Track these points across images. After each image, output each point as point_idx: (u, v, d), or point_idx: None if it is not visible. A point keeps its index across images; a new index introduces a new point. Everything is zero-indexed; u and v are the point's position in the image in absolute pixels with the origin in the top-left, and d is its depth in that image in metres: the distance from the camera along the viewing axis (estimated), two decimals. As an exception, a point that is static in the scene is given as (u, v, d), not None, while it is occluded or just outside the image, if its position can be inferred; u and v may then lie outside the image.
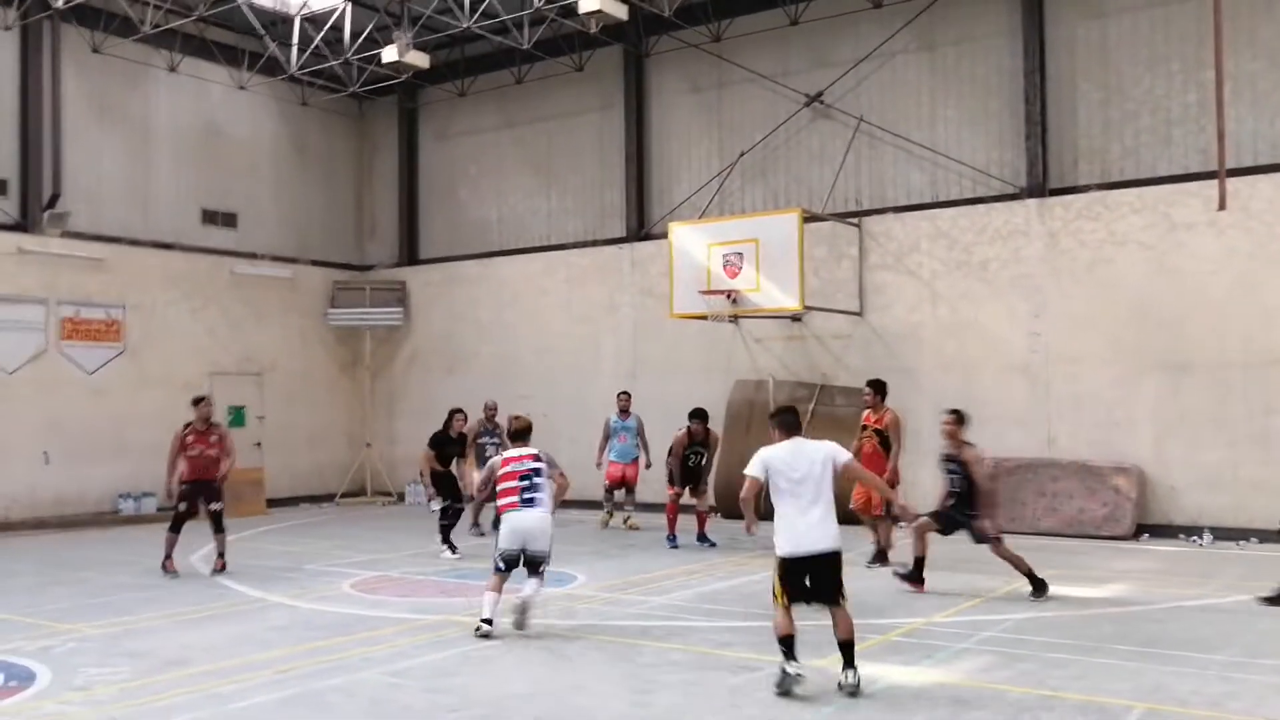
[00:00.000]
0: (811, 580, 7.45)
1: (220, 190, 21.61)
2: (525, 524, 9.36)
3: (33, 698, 7.32)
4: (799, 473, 7.52)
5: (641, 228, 20.36)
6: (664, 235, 18.47)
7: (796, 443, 7.71)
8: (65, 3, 17.12)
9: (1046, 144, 16.52)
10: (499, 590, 9.29)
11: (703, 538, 15.08)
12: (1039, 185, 16.44)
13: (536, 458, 9.66)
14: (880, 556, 12.80)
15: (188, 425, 12.98)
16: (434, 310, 22.94)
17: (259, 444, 21.40)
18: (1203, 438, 14.99)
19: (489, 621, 9.09)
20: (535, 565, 9.40)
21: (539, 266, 21.55)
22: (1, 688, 7.57)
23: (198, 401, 13.26)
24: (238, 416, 21.25)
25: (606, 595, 11.14)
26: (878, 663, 8.03)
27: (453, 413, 15.07)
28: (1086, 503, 15.39)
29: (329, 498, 22.38)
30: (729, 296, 16.72)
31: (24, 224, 18.48)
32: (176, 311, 20.34)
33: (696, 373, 18.93)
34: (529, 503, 9.42)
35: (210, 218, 21.40)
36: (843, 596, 7.42)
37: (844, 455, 7.70)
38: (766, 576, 11.96)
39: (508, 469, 9.58)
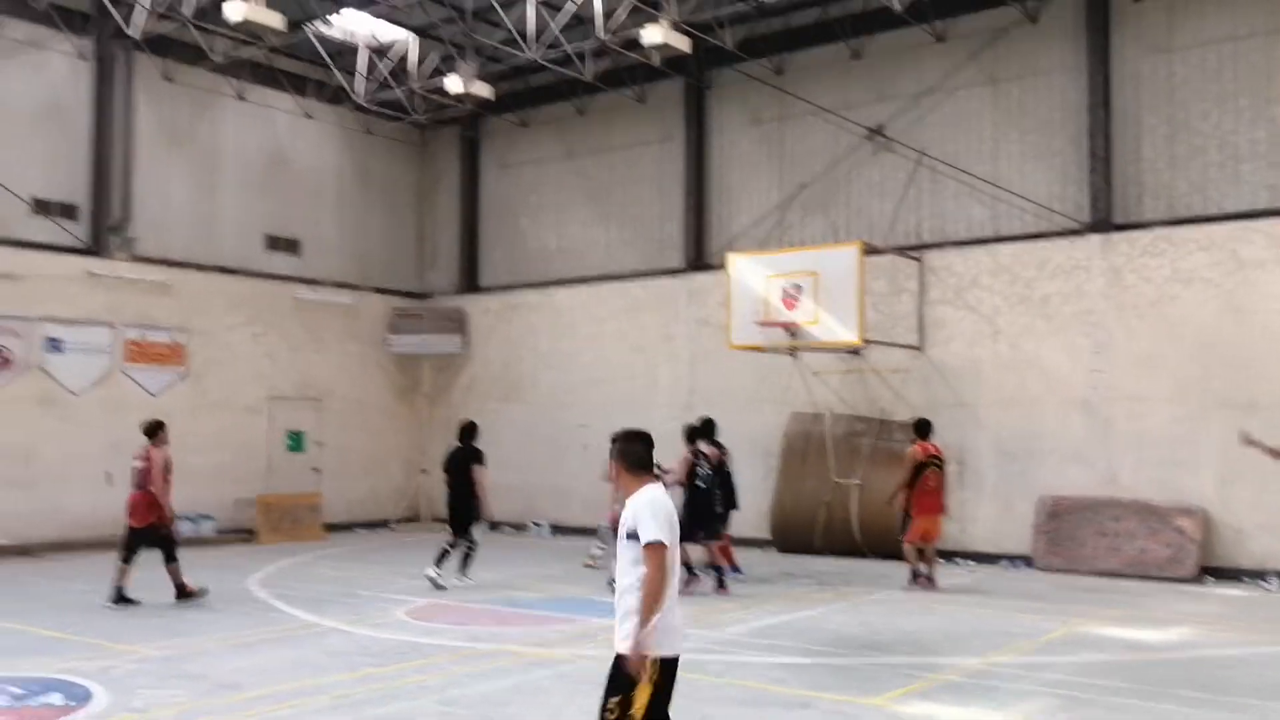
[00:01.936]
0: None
1: (284, 217, 22.00)
2: None
3: (89, 719, 7.41)
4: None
5: (699, 259, 20.38)
6: (721, 267, 18.46)
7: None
8: (140, 33, 17.56)
9: (1111, 179, 16.32)
10: None
11: (734, 568, 14.71)
12: (1103, 221, 16.23)
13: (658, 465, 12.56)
14: (916, 577, 13.97)
15: (158, 447, 12.37)
16: (492, 339, 23.11)
17: (316, 469, 21.64)
18: (1270, 480, 14.57)
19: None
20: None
21: (596, 296, 21.64)
22: (60, 707, 7.69)
23: (161, 426, 12.60)
24: (296, 441, 21.53)
25: (659, 627, 11.06)
26: (934, 703, 7.92)
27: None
28: (1148, 543, 15.07)
29: (384, 523, 22.54)
30: (787, 329, 16.67)
31: (93, 248, 18.91)
32: (238, 336, 20.67)
33: (753, 404, 18.86)
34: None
35: (274, 244, 21.78)
36: None
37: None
38: (824, 613, 11.94)
39: None
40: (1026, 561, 16.12)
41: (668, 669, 4.97)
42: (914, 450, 13.93)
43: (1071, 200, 16.73)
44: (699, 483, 13.73)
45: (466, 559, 14.10)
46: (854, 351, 17.83)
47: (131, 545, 12.30)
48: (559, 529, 21.23)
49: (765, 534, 18.08)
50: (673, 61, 18.85)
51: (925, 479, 13.74)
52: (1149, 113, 16.17)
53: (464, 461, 14.04)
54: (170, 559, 12.44)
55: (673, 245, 20.94)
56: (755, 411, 18.66)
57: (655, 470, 5.40)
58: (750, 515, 15.76)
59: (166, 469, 12.38)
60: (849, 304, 16.17)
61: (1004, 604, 12.76)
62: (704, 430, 14.42)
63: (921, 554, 13.94)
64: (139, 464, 12.42)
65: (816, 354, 18.17)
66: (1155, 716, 7.57)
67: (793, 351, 17.69)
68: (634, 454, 5.33)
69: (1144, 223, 16.04)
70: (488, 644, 10.10)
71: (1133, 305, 15.85)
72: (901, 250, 17.85)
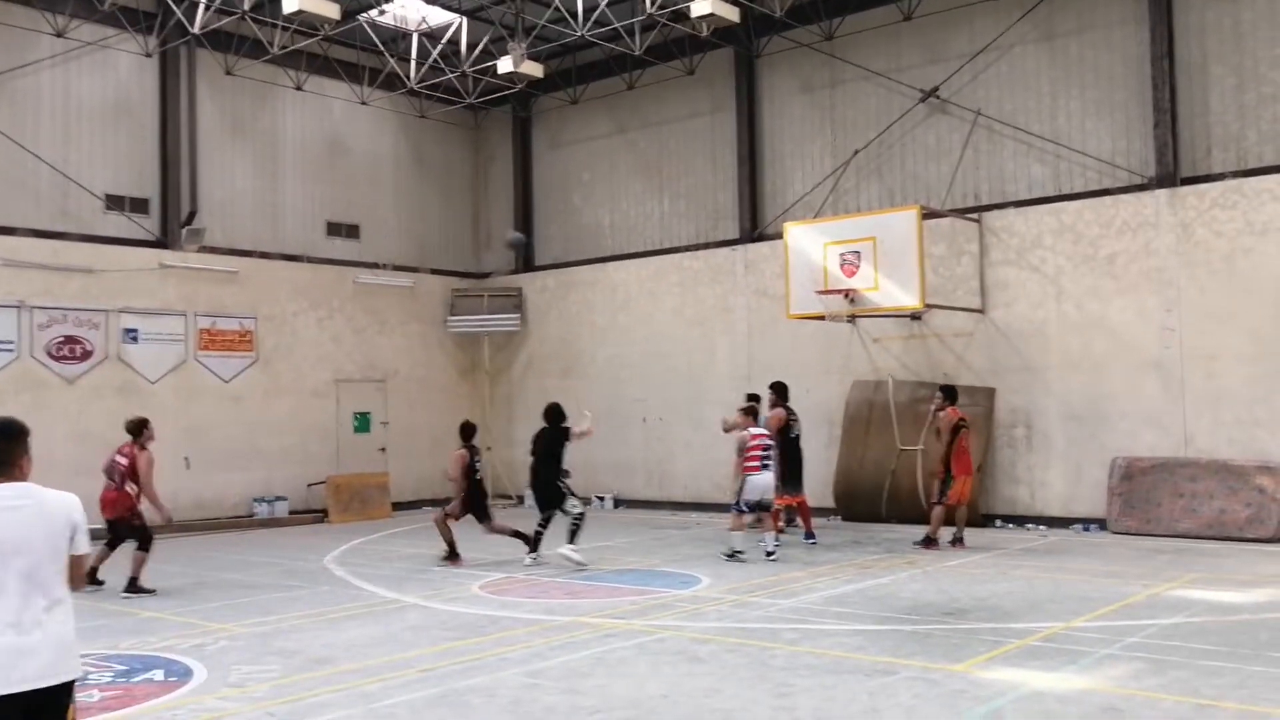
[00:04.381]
0: None
1: (344, 203, 22.26)
2: (765, 481, 13.49)
3: (192, 693, 7.63)
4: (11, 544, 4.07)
5: (755, 229, 20.30)
6: (777, 236, 18.38)
7: (25, 489, 4.18)
8: (201, 28, 17.80)
9: (1177, 132, 15.99)
10: (743, 529, 13.53)
11: (809, 535, 15.42)
12: (1170, 174, 15.92)
13: (770, 437, 13.90)
14: (929, 542, 14.33)
15: (142, 446, 12.12)
16: (549, 315, 23.22)
17: (383, 449, 21.96)
18: (1352, 434, 14.31)
19: (741, 552, 13.35)
20: (766, 509, 13.62)
21: (652, 270, 21.65)
22: (163, 683, 7.94)
23: (145, 424, 12.26)
24: (362, 422, 21.84)
25: (733, 598, 11.13)
26: (1018, 668, 7.87)
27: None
28: (1228, 503, 14.82)
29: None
30: (846, 296, 16.58)
31: (164, 240, 19.28)
32: (304, 321, 21.00)
33: (814, 374, 18.79)
34: (765, 467, 13.53)
35: (335, 229, 22.05)
36: None
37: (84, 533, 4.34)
38: (896, 580, 11.91)
39: (755, 442, 13.52)
40: (1100, 525, 15.95)
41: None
42: (949, 414, 14.49)
43: (1136, 155, 16.42)
44: (794, 437, 15.25)
45: (574, 532, 13.67)
46: (915, 316, 17.71)
47: (115, 536, 12.16)
48: (621, 502, 21.38)
49: (829, 503, 18.05)
50: (721, 32, 18.76)
51: (960, 439, 14.34)
52: (1215, 62, 15.80)
53: (550, 443, 14.20)
54: (133, 549, 12.10)
55: (727, 216, 20.88)
56: (816, 380, 18.60)
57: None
58: (813, 484, 15.81)
59: (150, 467, 12.07)
60: (909, 268, 16.04)
61: (1080, 568, 12.65)
62: (777, 392, 15.67)
63: (952, 516, 14.43)
64: (123, 461, 12.08)
65: (877, 321, 18.06)
66: (1251, 679, 7.46)
67: (851, 319, 17.60)
68: None
69: (1213, 175, 15.71)
70: (564, 616, 10.20)
71: (1204, 260, 15.54)
72: (960, 212, 17.65)
